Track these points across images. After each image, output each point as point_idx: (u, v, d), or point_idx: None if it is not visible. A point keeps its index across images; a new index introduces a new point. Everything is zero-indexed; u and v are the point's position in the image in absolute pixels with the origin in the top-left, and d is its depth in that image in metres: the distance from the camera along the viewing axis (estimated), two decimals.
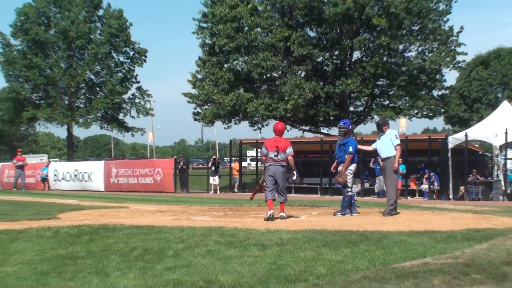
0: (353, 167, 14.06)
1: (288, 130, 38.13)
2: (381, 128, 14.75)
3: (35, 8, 52.44)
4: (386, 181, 14.72)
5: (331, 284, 6.13)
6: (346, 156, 13.84)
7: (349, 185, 14.12)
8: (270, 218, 12.97)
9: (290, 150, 13.33)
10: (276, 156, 13.36)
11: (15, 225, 12.87)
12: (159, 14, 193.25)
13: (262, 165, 15.62)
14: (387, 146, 13.92)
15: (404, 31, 33.88)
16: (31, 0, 53.19)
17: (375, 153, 15.29)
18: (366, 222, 12.52)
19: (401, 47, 34.90)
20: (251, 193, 15.86)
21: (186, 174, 35.09)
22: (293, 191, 29.68)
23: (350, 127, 15.27)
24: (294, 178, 14.75)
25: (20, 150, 41.70)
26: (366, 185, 29.49)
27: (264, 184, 14.28)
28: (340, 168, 14.06)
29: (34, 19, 51.99)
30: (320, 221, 13.27)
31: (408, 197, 26.49)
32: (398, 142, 13.77)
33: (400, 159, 15.16)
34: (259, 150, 24.22)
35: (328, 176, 28.21)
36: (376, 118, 36.27)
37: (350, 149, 13.80)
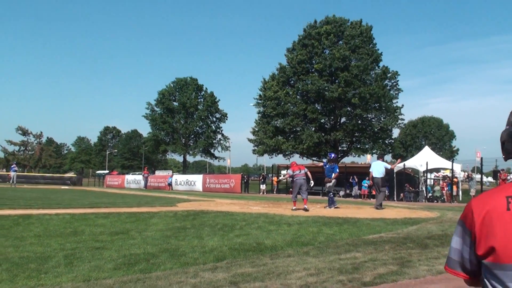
0: (334, 181, 19.35)
1: (303, 160, 54.95)
2: (377, 159, 21.02)
3: (167, 90, 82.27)
4: (376, 189, 20.38)
5: (327, 246, 8.79)
6: (334, 175, 19.20)
7: (331, 190, 19.51)
8: (294, 210, 17.39)
9: (306, 170, 18.53)
10: (300, 172, 18.32)
11: (152, 209, 17.02)
12: (238, 90, 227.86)
13: (285, 179, 20.52)
14: (373, 171, 19.63)
15: (370, 107, 50.84)
16: (165, 86, 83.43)
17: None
18: (347, 212, 16.60)
19: (369, 115, 52.56)
20: (285, 194, 21.79)
21: (247, 183, 48.19)
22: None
23: (333, 157, 20.90)
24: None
25: (146, 167, 63.27)
26: (347, 191, 38.89)
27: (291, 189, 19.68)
28: (328, 181, 19.36)
29: (167, 96, 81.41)
30: (321, 211, 17.43)
31: (371, 199, 31.85)
32: (371, 170, 19.64)
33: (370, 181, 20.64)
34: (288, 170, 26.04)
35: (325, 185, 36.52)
36: (354, 154, 54.51)
37: (337, 170, 19.49)
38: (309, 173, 18.65)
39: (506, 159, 1.99)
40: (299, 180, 18.34)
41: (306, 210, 17.52)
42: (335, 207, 19.29)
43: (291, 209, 18.09)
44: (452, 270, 1.91)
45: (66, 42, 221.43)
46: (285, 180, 27.87)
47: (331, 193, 19.76)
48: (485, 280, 1.77)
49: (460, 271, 1.88)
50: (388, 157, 64.20)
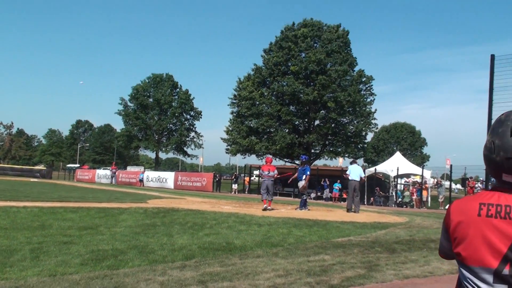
0: (302, 183, 19.25)
1: (276, 160, 53.36)
2: (351, 163, 20.97)
3: (142, 86, 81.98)
4: (348, 192, 20.25)
5: (297, 248, 8.88)
6: (305, 176, 19.00)
7: (304, 192, 19.59)
8: (264, 210, 17.72)
9: (276, 171, 18.65)
10: (268, 174, 18.50)
11: (122, 205, 16.87)
12: (213, 88, 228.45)
13: (261, 178, 19.81)
14: (351, 173, 19.72)
15: (344, 111, 51.44)
16: (140, 81, 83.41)
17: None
18: (317, 215, 16.69)
19: (343, 119, 53.17)
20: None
21: (219, 182, 48.19)
22: (278, 194, 38.81)
23: (305, 159, 20.67)
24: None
25: (114, 162, 63.27)
26: (319, 193, 39.45)
27: (289, 181, 20.81)
28: (300, 183, 19.25)
29: (141, 92, 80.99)
30: (292, 212, 17.57)
31: (341, 202, 32.59)
32: (347, 173, 19.80)
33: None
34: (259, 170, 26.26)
35: (297, 187, 36.31)
36: (326, 157, 55.17)
37: (308, 172, 19.19)
38: (276, 176, 18.92)
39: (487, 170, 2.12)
40: (267, 181, 18.54)
41: (269, 210, 17.86)
42: (306, 210, 19.36)
43: (262, 209, 18.27)
44: (442, 255, 2.21)
45: (42, 34, 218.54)
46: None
47: (304, 195, 19.77)
48: (460, 269, 2.01)
49: (447, 257, 2.16)
50: (360, 161, 64.83)
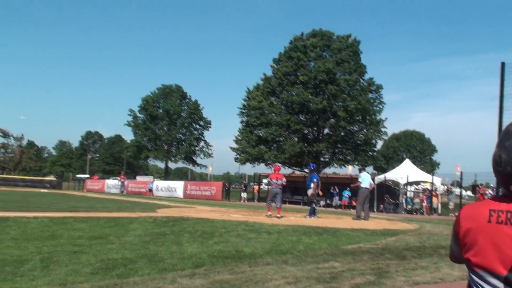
0: (311, 191, 19.34)
1: (285, 169, 53.70)
2: (360, 171, 20.84)
3: (152, 97, 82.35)
4: (357, 200, 20.34)
5: (306, 255, 8.93)
6: (313, 184, 19.05)
7: (313, 200, 19.80)
8: (268, 216, 18.28)
9: (284, 179, 18.88)
10: (276, 182, 18.74)
11: (132, 214, 17.14)
12: (222, 98, 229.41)
13: (269, 186, 19.75)
14: (363, 181, 19.49)
15: (354, 120, 51.25)
16: (150, 93, 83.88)
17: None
18: (327, 222, 16.82)
19: (352, 127, 53.19)
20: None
21: (229, 190, 48.86)
22: (287, 202, 39.58)
23: (313, 168, 20.86)
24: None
25: (123, 172, 64.67)
26: (328, 201, 39.54)
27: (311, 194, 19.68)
28: (308, 191, 19.41)
29: (151, 103, 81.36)
30: (301, 220, 17.65)
31: (351, 209, 32.24)
32: (360, 180, 19.67)
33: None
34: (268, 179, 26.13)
35: (306, 195, 34.41)
36: (336, 165, 55.09)
37: (315, 180, 19.12)
38: (284, 184, 19.20)
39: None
40: (274, 189, 18.82)
41: (278, 218, 18.01)
42: (315, 217, 19.30)
43: (266, 215, 18.78)
44: (453, 259, 2.21)
45: (51, 45, 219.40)
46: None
47: (313, 203, 19.87)
48: (469, 274, 1.99)
49: (458, 261, 2.16)
50: (370, 168, 64.67)
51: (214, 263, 7.99)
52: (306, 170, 51.84)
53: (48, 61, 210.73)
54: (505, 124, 11.25)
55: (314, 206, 19.88)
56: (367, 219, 19.48)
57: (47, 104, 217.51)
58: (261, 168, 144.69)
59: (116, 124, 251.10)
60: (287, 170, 54.22)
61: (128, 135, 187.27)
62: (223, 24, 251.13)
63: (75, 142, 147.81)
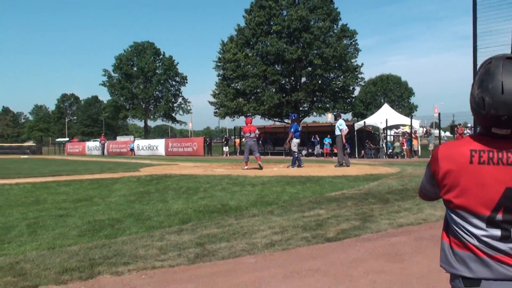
0: (296, 141, 19.51)
1: (265, 120, 56.00)
2: (336, 118, 20.92)
3: (126, 55, 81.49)
4: (337, 148, 20.15)
5: (291, 205, 9.12)
6: (290, 134, 19.67)
7: (294, 150, 19.77)
8: (246, 169, 18.74)
9: (257, 131, 19.24)
10: (249, 135, 19.04)
11: (115, 175, 17.37)
12: (197, 52, 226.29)
13: (244, 140, 20.98)
14: (337, 129, 19.35)
15: (330, 67, 51.55)
16: (123, 51, 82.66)
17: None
18: (309, 171, 16.96)
19: (329, 75, 53.57)
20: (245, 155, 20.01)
21: (210, 145, 47.65)
22: (269, 154, 40.66)
23: (294, 117, 20.83)
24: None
25: (103, 134, 64.33)
26: (310, 150, 39.19)
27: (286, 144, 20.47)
28: (286, 141, 20.19)
29: (125, 61, 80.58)
30: (284, 171, 17.85)
31: (333, 157, 31.05)
32: (341, 127, 19.33)
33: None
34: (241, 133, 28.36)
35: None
36: (315, 114, 55.53)
37: (292, 130, 19.59)
38: (257, 135, 19.67)
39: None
40: (249, 141, 19.19)
41: (260, 167, 18.56)
42: (298, 167, 19.47)
43: (242, 169, 19.02)
44: (424, 198, 2.29)
45: (21, 8, 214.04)
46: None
47: (295, 153, 19.88)
48: (447, 216, 2.01)
49: (430, 200, 2.27)
50: (349, 115, 65.04)
51: (200, 218, 8.05)
52: (286, 121, 53.19)
53: (19, 24, 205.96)
54: (479, 62, 11.29)
55: (296, 155, 19.87)
56: (348, 164, 19.64)
57: (20, 68, 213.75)
58: (241, 121, 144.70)
59: (91, 85, 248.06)
60: (267, 122, 55.73)
61: (105, 96, 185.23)
62: None
63: (51, 106, 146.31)
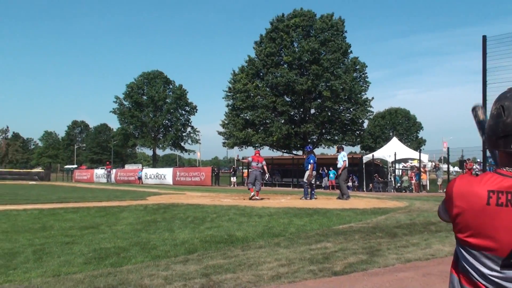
0: (310, 172, 19.38)
1: (274, 151, 55.89)
2: (338, 150, 20.83)
3: (136, 84, 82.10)
4: (339, 180, 20.23)
5: (298, 237, 9.09)
6: (309, 166, 19.18)
7: (309, 181, 19.56)
8: (251, 198, 18.90)
9: (264, 162, 19.46)
10: (257, 165, 19.31)
11: (122, 203, 17.37)
12: (207, 82, 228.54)
13: (250, 169, 19.98)
14: (340, 160, 19.55)
15: (340, 99, 51.56)
16: (133, 79, 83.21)
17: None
18: (317, 203, 17.00)
19: (339, 107, 53.42)
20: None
21: (218, 175, 48.40)
22: (277, 185, 41.11)
23: (310, 149, 20.52)
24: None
25: (108, 162, 64.77)
26: (318, 182, 35.09)
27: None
28: (306, 173, 19.31)
29: (136, 90, 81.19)
30: (292, 202, 17.82)
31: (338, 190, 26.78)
32: (345, 159, 19.47)
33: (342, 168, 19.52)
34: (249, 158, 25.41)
35: (296, 177, 38.43)
36: (323, 146, 55.25)
37: (311, 161, 19.19)
38: (265, 167, 19.77)
39: (489, 149, 2.04)
40: (255, 171, 19.33)
41: (256, 199, 18.73)
42: (312, 198, 19.48)
43: (249, 198, 19.23)
44: (442, 219, 2.10)
45: (34, 36, 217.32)
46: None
47: (307, 184, 19.71)
48: (460, 250, 1.93)
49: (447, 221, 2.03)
50: (357, 148, 64.94)
51: (206, 248, 8.00)
52: (294, 152, 54.25)
53: (31, 51, 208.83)
54: (489, 97, 11.29)
55: (308, 186, 19.75)
56: (343, 198, 19.59)
57: (31, 95, 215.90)
58: (249, 152, 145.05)
59: (101, 112, 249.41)
60: (275, 153, 55.68)
61: (114, 124, 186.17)
62: (204, 6, 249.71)
63: (61, 133, 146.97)
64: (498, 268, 1.78)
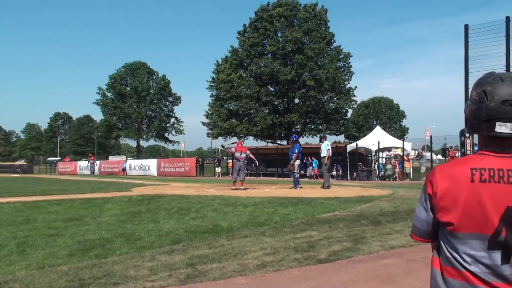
0: (297, 161, 19.54)
1: (257, 141, 56.06)
2: (321, 140, 21.25)
3: (119, 75, 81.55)
4: (322, 169, 20.65)
5: (283, 226, 9.16)
6: (293, 155, 19.31)
7: (296, 171, 19.63)
8: (235, 189, 18.96)
9: (248, 152, 19.58)
10: (240, 155, 19.38)
11: (107, 194, 17.37)
12: (191, 73, 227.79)
13: (234, 159, 20.46)
14: (323, 150, 19.35)
15: (324, 89, 51.74)
16: (116, 70, 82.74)
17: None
18: (301, 192, 17.06)
19: (322, 97, 53.53)
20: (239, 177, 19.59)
21: (202, 166, 48.42)
22: (261, 175, 40.85)
23: (295, 139, 20.92)
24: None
25: (91, 154, 63.69)
26: (302, 172, 36.17)
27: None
28: (291, 162, 19.49)
29: (119, 81, 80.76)
30: (276, 192, 17.87)
31: (321, 178, 27.61)
32: (328, 148, 19.42)
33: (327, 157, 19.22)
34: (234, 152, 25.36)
35: (280, 166, 39.17)
36: (308, 135, 55.48)
37: (296, 150, 19.36)
38: (251, 156, 19.87)
39: (470, 133, 2.05)
40: (239, 162, 19.40)
41: (242, 190, 18.62)
42: (298, 187, 19.42)
43: (230, 189, 19.25)
44: (417, 237, 2.06)
45: (15, 26, 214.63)
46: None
47: (296, 174, 19.76)
48: (441, 243, 1.93)
49: (424, 238, 2.03)
50: (341, 137, 65.19)
51: (192, 239, 8.01)
52: (279, 142, 54.23)
53: (12, 42, 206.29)
54: (470, 85, 11.36)
55: (297, 176, 19.78)
56: (324, 186, 19.48)
57: (13, 86, 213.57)
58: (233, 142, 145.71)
59: (84, 104, 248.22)
60: (260, 143, 55.85)
61: (98, 115, 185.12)
62: None
63: (44, 125, 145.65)
64: (485, 248, 1.79)
